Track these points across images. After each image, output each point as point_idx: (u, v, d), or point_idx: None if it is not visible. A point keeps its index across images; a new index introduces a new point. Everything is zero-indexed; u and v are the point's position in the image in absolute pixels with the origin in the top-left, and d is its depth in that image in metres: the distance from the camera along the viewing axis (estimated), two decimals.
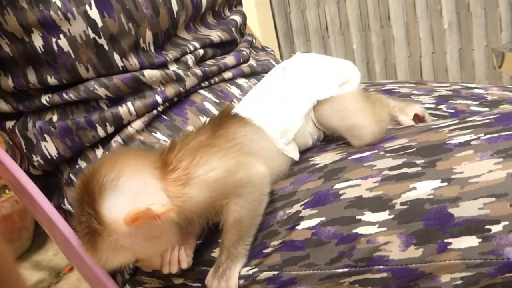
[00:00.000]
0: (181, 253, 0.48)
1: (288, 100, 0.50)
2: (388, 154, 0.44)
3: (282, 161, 0.49)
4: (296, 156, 0.51)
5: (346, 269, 0.42)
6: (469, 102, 0.62)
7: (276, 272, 0.45)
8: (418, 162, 0.42)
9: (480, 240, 0.37)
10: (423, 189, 0.40)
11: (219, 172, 0.44)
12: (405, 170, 0.41)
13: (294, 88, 0.51)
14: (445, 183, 0.39)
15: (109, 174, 0.42)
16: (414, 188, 0.40)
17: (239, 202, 0.44)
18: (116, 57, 0.53)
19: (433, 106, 0.63)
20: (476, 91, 0.65)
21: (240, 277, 0.46)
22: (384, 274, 0.41)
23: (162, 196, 0.43)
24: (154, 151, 0.48)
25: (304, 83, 0.51)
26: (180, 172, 0.44)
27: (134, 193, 0.42)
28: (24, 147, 0.58)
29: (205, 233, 0.50)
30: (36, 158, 0.57)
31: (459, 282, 0.39)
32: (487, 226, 0.37)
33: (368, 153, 0.46)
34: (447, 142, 0.42)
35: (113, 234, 0.41)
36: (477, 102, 0.62)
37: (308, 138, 0.52)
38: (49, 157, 0.56)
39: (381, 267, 0.40)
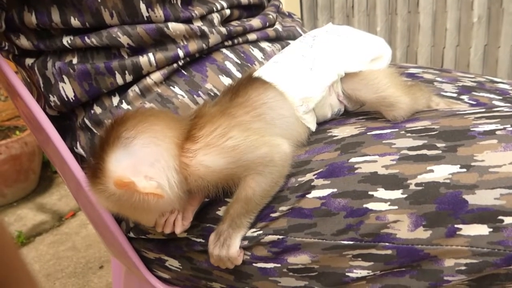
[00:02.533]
0: (178, 218, 0.49)
1: (314, 69, 0.49)
2: (409, 134, 0.44)
3: (301, 130, 0.49)
4: (313, 126, 0.50)
5: (351, 242, 0.42)
6: (492, 96, 0.61)
7: (281, 237, 0.45)
8: (438, 145, 0.41)
9: (491, 229, 0.37)
10: (441, 172, 0.39)
11: (238, 140, 0.44)
12: (424, 151, 0.41)
13: (322, 57, 0.50)
14: (464, 169, 0.39)
15: (129, 131, 0.43)
16: (431, 171, 0.40)
17: (257, 179, 0.44)
18: (142, 7, 0.52)
19: (455, 95, 0.62)
20: (501, 85, 0.64)
21: (245, 238, 0.47)
22: (389, 252, 0.41)
23: (168, 174, 0.43)
24: (187, 117, 0.48)
25: (333, 54, 0.50)
26: (198, 143, 0.44)
27: (139, 161, 0.42)
28: (42, 86, 0.58)
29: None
30: (53, 98, 0.57)
31: (463, 268, 0.39)
32: (500, 217, 0.37)
33: (388, 130, 0.45)
34: (471, 129, 0.41)
35: (105, 185, 0.42)
36: (501, 97, 0.61)
37: (327, 110, 0.52)
38: (66, 99, 0.56)
39: (387, 244, 0.41)
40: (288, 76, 0.49)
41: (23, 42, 0.56)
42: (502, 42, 1.59)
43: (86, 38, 0.53)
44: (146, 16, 0.52)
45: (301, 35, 0.68)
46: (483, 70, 1.66)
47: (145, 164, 0.43)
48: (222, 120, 0.45)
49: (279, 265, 0.46)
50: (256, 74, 0.50)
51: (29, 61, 0.58)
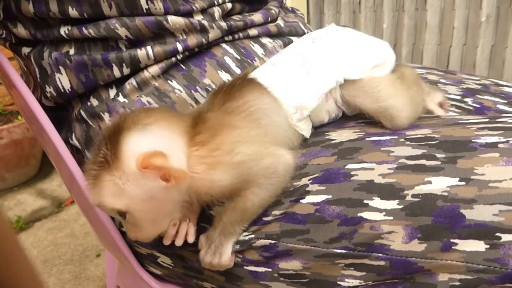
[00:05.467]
0: (190, 226, 0.47)
1: (312, 73, 0.48)
2: (408, 143, 0.42)
3: (293, 137, 0.48)
4: (307, 134, 0.49)
5: (344, 251, 0.41)
6: (496, 99, 0.60)
7: (273, 241, 0.45)
8: (438, 155, 0.40)
9: (488, 246, 0.36)
10: (439, 184, 0.38)
11: (243, 156, 0.42)
12: (423, 161, 0.40)
13: (321, 62, 0.49)
14: (463, 183, 0.38)
15: (146, 118, 0.42)
16: (429, 182, 0.39)
17: (256, 191, 0.43)
18: None
19: (458, 98, 0.61)
20: (506, 89, 0.63)
21: (236, 242, 0.46)
22: (382, 263, 0.40)
23: (183, 159, 0.42)
24: (187, 117, 0.46)
25: (332, 60, 0.49)
26: (204, 152, 0.43)
27: (160, 143, 0.41)
28: (38, 76, 0.57)
29: None
30: (49, 89, 0.56)
31: (457, 283, 0.38)
32: (497, 234, 0.36)
33: (388, 137, 0.44)
34: (473, 140, 0.40)
35: (119, 171, 0.40)
36: (505, 101, 0.60)
37: (324, 115, 0.51)
38: (62, 90, 0.55)
39: (380, 255, 0.40)
40: (284, 81, 0.48)
41: (20, 30, 0.56)
42: (509, 43, 1.57)
43: (83, 28, 0.52)
44: (146, 9, 0.51)
45: (303, 31, 0.67)
46: (489, 70, 1.64)
47: (164, 147, 0.40)
48: (226, 133, 0.44)
49: (270, 269, 0.46)
50: (252, 75, 0.49)
51: (25, 50, 0.58)
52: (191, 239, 0.47)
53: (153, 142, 0.41)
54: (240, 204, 0.44)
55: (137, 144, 0.40)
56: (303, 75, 0.48)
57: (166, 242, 0.47)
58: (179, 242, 0.47)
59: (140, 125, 0.41)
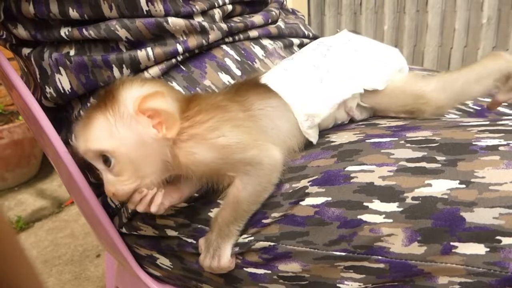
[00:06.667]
0: (158, 195, 0.44)
1: (324, 82, 0.48)
2: (409, 145, 0.42)
3: (296, 142, 0.48)
4: (315, 140, 0.49)
5: (343, 253, 0.41)
6: None
7: (272, 244, 0.44)
8: (438, 158, 0.40)
9: (488, 249, 0.36)
10: (439, 187, 0.38)
11: (229, 139, 0.42)
12: (423, 164, 0.40)
13: (335, 72, 0.48)
14: (463, 185, 0.37)
15: (143, 81, 0.44)
16: (429, 185, 0.38)
17: (244, 180, 0.43)
18: (142, 0, 0.51)
19: None
20: None
21: (236, 245, 0.46)
22: (381, 265, 0.40)
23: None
24: (182, 94, 0.48)
25: (348, 71, 0.49)
26: (190, 125, 0.43)
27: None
28: (38, 77, 0.57)
29: (204, 192, 0.49)
30: (49, 90, 0.56)
31: (457, 286, 0.37)
32: (498, 237, 0.35)
33: (388, 139, 0.44)
34: (474, 143, 0.40)
35: (114, 110, 0.41)
36: (506, 103, 0.59)
37: (331, 122, 0.51)
38: (62, 91, 0.55)
39: (380, 257, 0.40)
40: (296, 87, 0.48)
41: (21, 31, 0.56)
42: (510, 45, 1.56)
43: (84, 30, 0.52)
44: (146, 10, 0.51)
45: (304, 32, 0.67)
46: None
47: None
48: (217, 112, 0.44)
49: (269, 271, 0.45)
50: (263, 80, 0.49)
51: (26, 51, 0.58)
52: (153, 209, 0.44)
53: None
54: (230, 196, 0.44)
55: (135, 90, 0.42)
56: (316, 82, 0.48)
57: (131, 206, 0.45)
58: (140, 208, 0.44)
59: (139, 81, 0.44)
